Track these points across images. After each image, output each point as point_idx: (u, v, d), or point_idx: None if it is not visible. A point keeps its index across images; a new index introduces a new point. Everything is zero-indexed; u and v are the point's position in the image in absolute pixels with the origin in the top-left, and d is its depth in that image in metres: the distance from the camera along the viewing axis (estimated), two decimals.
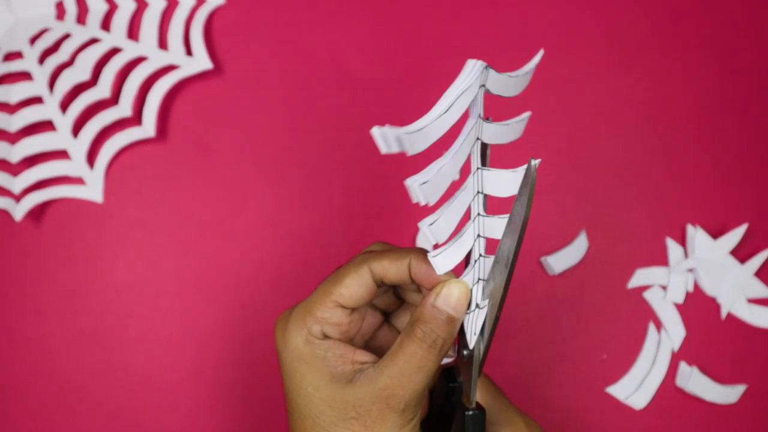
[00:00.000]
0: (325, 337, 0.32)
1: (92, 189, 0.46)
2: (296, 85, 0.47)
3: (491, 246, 0.31)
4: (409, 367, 0.30)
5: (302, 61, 0.48)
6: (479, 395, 0.33)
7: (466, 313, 0.31)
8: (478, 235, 0.30)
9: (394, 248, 0.33)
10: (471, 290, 0.31)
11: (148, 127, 0.46)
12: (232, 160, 0.47)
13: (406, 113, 0.47)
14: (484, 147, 0.30)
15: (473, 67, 0.27)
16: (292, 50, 0.48)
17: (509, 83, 0.29)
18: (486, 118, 0.29)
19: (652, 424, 0.45)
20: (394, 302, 0.35)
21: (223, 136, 0.47)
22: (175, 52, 0.47)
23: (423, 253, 0.31)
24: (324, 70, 0.48)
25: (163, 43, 0.47)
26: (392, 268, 0.32)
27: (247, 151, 0.47)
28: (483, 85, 0.28)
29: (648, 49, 0.48)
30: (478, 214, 0.30)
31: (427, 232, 0.28)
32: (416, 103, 0.47)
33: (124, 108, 0.46)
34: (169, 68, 0.47)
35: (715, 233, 0.46)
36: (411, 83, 0.47)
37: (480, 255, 0.30)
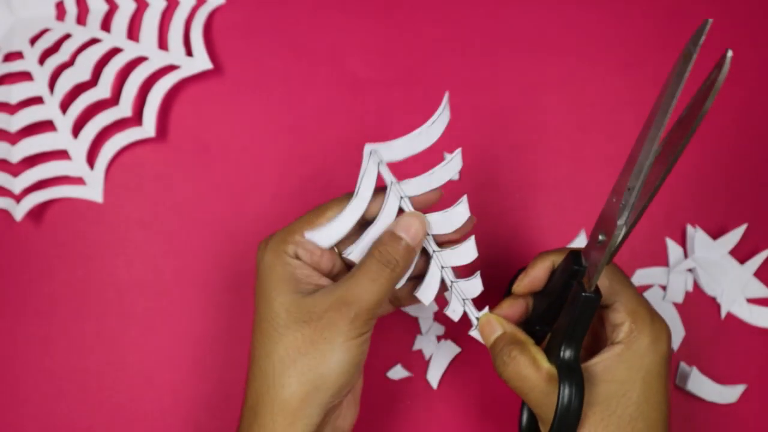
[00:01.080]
0: (299, 259, 0.35)
1: (92, 189, 0.46)
2: (296, 85, 0.48)
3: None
4: (363, 280, 0.33)
5: (302, 61, 0.48)
6: (608, 282, 0.35)
7: (449, 288, 0.36)
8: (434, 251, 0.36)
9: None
10: (441, 271, 0.35)
11: (148, 127, 0.46)
12: (232, 160, 0.47)
13: (405, 113, 0.47)
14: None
15: (366, 155, 0.34)
16: (292, 50, 0.48)
17: (409, 145, 0.34)
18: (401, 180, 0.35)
19: None
20: None
21: (223, 136, 0.47)
22: (175, 53, 0.47)
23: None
24: (324, 71, 0.48)
25: (163, 44, 0.48)
26: (376, 204, 0.35)
27: (247, 151, 0.47)
28: (381, 161, 0.34)
29: (647, 49, 0.48)
30: (434, 251, 0.36)
31: (353, 257, 0.35)
32: (416, 103, 0.47)
33: (124, 108, 0.46)
34: (170, 68, 0.47)
35: (715, 233, 0.46)
36: (411, 83, 0.47)
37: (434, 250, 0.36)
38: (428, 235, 0.35)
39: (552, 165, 0.47)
